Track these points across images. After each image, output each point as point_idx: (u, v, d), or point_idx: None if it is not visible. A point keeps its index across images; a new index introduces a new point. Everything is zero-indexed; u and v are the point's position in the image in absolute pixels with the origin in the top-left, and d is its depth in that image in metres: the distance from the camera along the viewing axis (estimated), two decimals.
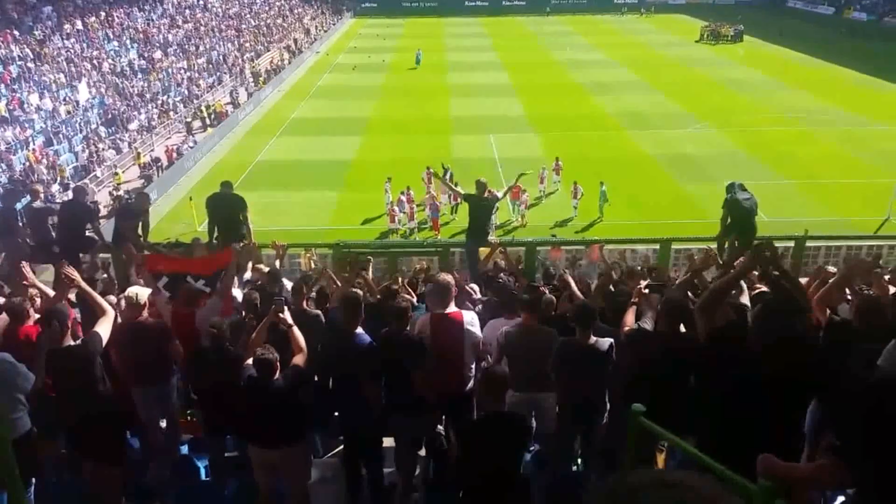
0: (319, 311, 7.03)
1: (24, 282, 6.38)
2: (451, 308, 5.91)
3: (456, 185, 11.50)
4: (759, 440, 3.16)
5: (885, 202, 22.84)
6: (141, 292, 6.42)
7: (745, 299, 5.94)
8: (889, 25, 65.83)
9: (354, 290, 6.52)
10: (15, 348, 5.47)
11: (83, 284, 5.83)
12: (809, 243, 11.70)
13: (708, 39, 61.86)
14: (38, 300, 6.48)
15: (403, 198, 23.68)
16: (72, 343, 5.35)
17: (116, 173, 28.49)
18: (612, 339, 5.72)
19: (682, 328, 5.05)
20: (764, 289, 6.34)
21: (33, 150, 27.66)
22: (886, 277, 7.55)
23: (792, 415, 3.55)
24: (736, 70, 49.09)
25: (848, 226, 20.38)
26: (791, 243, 11.26)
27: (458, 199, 23.36)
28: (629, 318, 5.65)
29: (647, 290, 6.11)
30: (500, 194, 11.84)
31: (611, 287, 7.20)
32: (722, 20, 64.31)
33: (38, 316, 5.93)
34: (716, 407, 3.68)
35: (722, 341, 3.76)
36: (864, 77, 45.48)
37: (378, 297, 7.45)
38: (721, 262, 7.73)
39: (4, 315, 6.06)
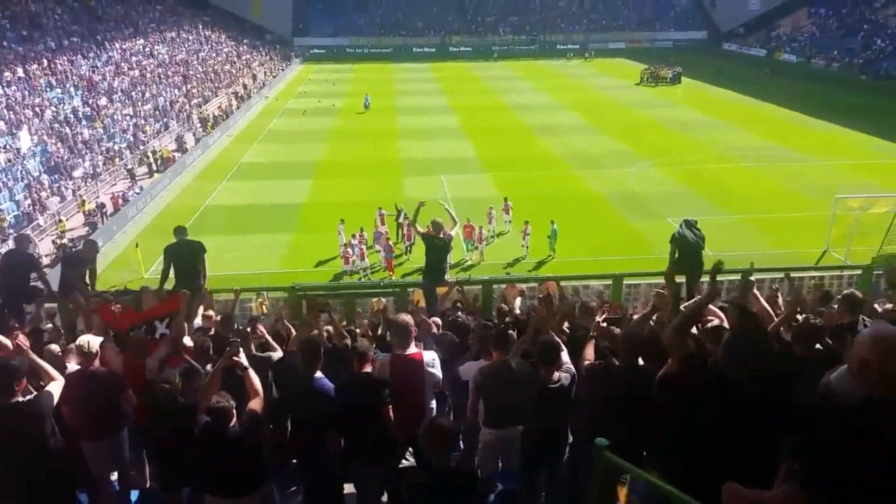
0: (269, 354, 6.92)
1: None
2: (412, 349, 5.90)
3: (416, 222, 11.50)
4: (728, 469, 3.20)
5: (824, 233, 23.75)
6: (93, 340, 6.22)
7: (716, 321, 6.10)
8: (816, 66, 69.34)
9: (314, 334, 6.46)
10: None
11: (33, 355, 5.60)
12: (756, 276, 12.03)
13: (648, 82, 64.04)
14: None
15: (355, 241, 23.63)
16: (20, 399, 5.12)
17: (60, 220, 27.74)
18: (572, 374, 5.77)
19: (641, 361, 5.13)
20: (717, 322, 6.51)
21: None
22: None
23: (763, 442, 3.59)
24: (676, 111, 50.91)
25: (791, 257, 21.09)
26: (738, 276, 11.58)
27: (412, 240, 23.51)
28: (589, 353, 5.71)
29: (605, 324, 6.20)
30: (453, 233, 11.91)
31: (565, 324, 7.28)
32: (661, 63, 66.75)
33: None
34: (684, 437, 3.72)
35: (691, 371, 3.81)
36: (795, 115, 47.64)
37: (345, 341, 7.32)
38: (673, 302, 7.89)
39: None
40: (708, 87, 60.67)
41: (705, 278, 11.09)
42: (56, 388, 5.32)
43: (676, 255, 10.68)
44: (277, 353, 7.04)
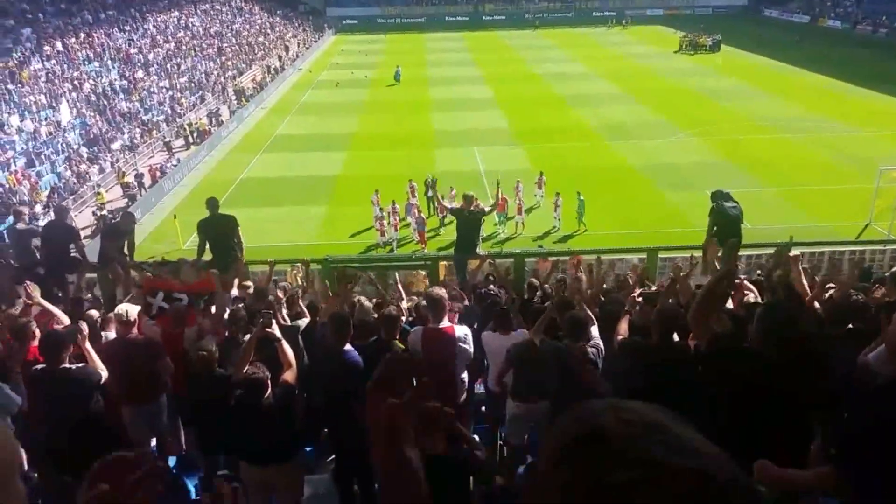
0: (298, 322, 7.05)
1: (29, 301, 6.38)
2: (444, 322, 5.92)
3: (444, 197, 11.50)
4: (759, 446, 3.17)
5: (866, 207, 23.13)
6: (131, 309, 6.38)
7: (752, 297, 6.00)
8: (862, 32, 66.98)
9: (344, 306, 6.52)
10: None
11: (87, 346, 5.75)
12: (794, 250, 11.80)
13: (686, 50, 62.59)
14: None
15: (387, 212, 23.72)
16: (68, 366, 5.30)
17: (99, 192, 28.28)
18: (599, 348, 5.75)
19: (676, 338, 5.08)
20: (752, 298, 6.40)
21: (14, 171, 27.42)
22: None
23: (795, 420, 3.54)
24: (714, 79, 49.69)
25: (830, 231, 20.61)
26: (773, 250, 11.36)
27: (445, 213, 23.50)
28: (622, 327, 5.67)
29: (640, 299, 6.15)
30: (487, 208, 11.88)
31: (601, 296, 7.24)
32: (699, 30, 65.12)
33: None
34: (717, 415, 3.69)
35: (722, 348, 3.76)
36: (838, 83, 46.17)
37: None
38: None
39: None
40: (748, 54, 59.03)
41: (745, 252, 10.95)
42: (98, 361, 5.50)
43: (715, 229, 10.52)
44: (305, 320, 7.18)
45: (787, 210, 24.60)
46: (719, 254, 8.93)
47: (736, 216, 10.42)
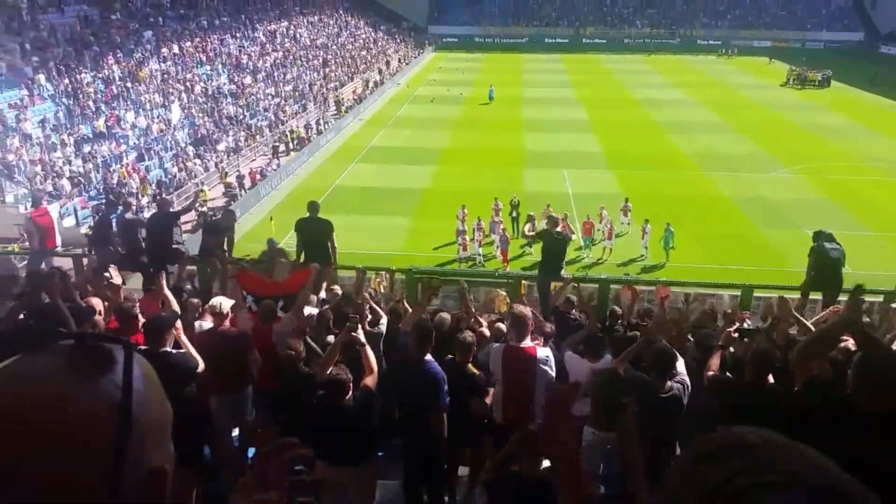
0: (380, 328, 7.19)
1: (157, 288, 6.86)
2: (527, 342, 5.91)
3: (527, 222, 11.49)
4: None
5: None
6: (224, 302, 6.67)
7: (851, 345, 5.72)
8: None
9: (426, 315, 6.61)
10: None
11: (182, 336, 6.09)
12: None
13: (794, 84, 60.26)
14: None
15: (475, 226, 23.97)
16: (169, 350, 5.59)
17: (203, 190, 29.69)
18: (686, 385, 5.60)
19: (770, 379, 4.89)
20: (851, 345, 6.10)
21: (126, 164, 29.16)
22: None
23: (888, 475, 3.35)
24: (822, 115, 47.60)
25: None
26: (880, 297, 10.75)
27: (531, 240, 23.40)
28: (714, 363, 5.51)
29: (736, 335, 5.96)
30: (572, 234, 11.78)
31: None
32: (810, 65, 62.58)
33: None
34: None
35: (818, 393, 3.60)
36: None
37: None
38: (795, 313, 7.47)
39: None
40: (861, 92, 56.23)
41: (844, 297, 10.40)
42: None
43: (813, 272, 10.07)
44: (384, 321, 7.31)
45: (892, 256, 23.22)
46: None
47: (837, 258, 9.93)
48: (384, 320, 7.45)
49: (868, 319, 9.03)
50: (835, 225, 21.93)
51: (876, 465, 3.29)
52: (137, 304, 6.66)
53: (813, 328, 6.23)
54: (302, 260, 10.13)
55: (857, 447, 3.35)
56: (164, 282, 7.16)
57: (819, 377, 3.84)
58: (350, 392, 5.28)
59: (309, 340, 6.64)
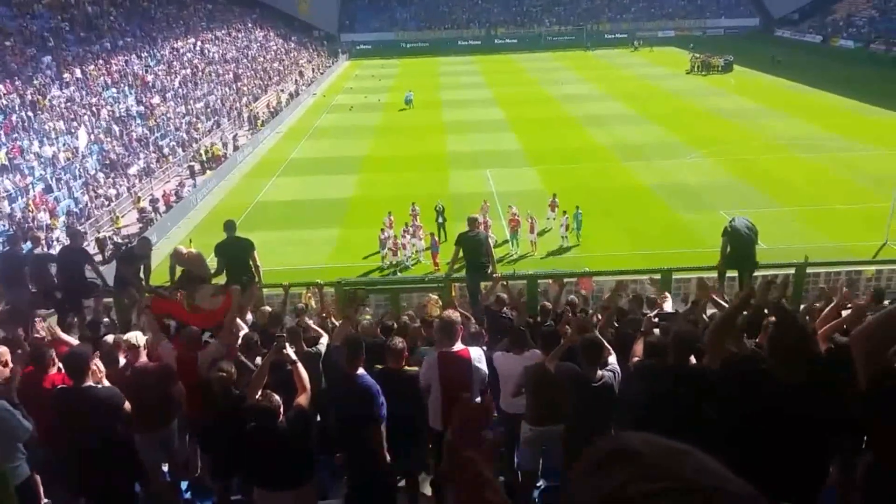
0: (318, 347, 7.06)
1: (49, 336, 6.52)
2: (458, 345, 5.91)
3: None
4: (779, 471, 3.12)
5: (882, 226, 22.92)
6: (139, 335, 6.43)
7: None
8: (876, 52, 66.84)
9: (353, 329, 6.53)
10: (36, 396, 5.49)
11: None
12: (810, 270, 11.72)
13: (699, 71, 62.66)
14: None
15: (390, 233, 24.21)
16: (92, 384, 5.36)
17: (116, 218, 28.62)
18: (616, 372, 5.71)
19: (693, 360, 5.03)
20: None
21: (33, 196, 27.80)
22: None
23: (812, 444, 3.48)
24: (728, 99, 49.70)
25: (847, 251, 20.41)
26: (791, 270, 11.27)
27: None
28: (638, 349, 5.63)
29: (655, 320, 6.11)
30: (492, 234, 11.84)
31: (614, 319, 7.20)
32: (711, 51, 65.20)
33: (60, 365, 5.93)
34: (731, 436, 3.64)
35: (739, 370, 3.71)
36: (852, 102, 46.02)
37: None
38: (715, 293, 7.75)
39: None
40: (761, 75, 59.00)
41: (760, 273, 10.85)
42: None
43: (728, 250, 10.46)
44: (324, 340, 7.19)
45: (802, 229, 24.45)
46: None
47: (749, 237, 10.35)
48: (324, 339, 7.31)
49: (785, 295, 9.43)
50: (747, 203, 23.05)
51: (790, 429, 3.43)
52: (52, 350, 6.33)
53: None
54: (224, 282, 9.85)
55: (772, 413, 3.48)
56: (55, 329, 6.87)
57: (734, 354, 3.96)
58: (281, 415, 5.15)
59: (242, 358, 6.46)
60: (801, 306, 9.40)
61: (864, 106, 44.78)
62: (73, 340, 6.67)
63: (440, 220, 25.41)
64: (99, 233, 27.16)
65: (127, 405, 5.49)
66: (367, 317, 8.38)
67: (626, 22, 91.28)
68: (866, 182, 29.42)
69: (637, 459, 0.88)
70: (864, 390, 2.97)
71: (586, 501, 0.88)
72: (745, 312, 5.06)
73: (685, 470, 0.86)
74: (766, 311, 6.13)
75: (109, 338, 7.11)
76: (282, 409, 5.14)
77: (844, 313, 6.12)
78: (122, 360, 6.49)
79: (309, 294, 12.42)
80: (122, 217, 29.38)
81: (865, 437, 3.74)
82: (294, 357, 5.59)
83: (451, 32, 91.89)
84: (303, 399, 5.37)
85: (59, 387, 5.42)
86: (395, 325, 7.73)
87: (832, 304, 6.30)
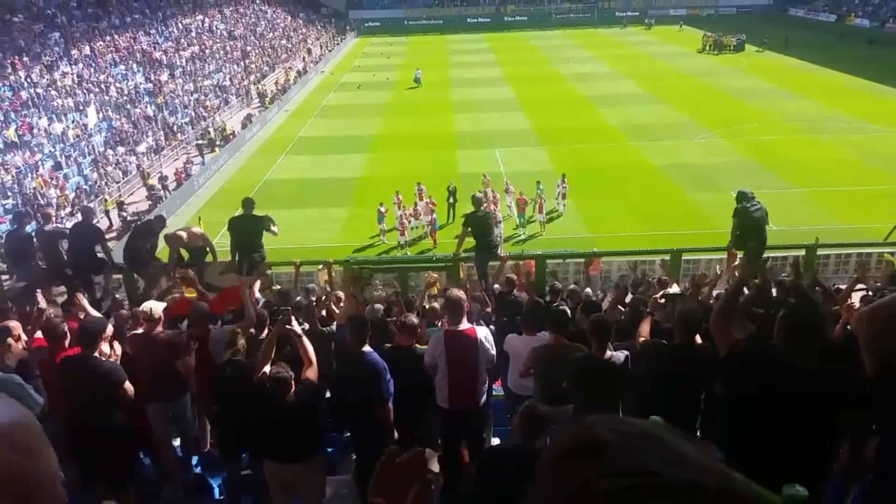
0: (331, 327, 7.09)
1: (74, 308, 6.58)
2: (465, 324, 5.91)
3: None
4: (786, 453, 3.11)
5: (894, 208, 22.69)
6: (156, 306, 6.45)
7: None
8: (891, 31, 65.80)
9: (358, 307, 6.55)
10: (49, 371, 5.54)
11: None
12: (820, 251, 11.66)
13: (710, 50, 61.94)
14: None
15: (409, 211, 24.17)
16: (102, 357, 5.41)
17: (121, 196, 28.74)
18: (627, 353, 5.70)
19: (699, 340, 5.02)
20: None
21: (41, 174, 27.88)
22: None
23: (822, 421, 3.46)
24: (740, 79, 49.12)
25: (858, 233, 20.26)
26: (802, 252, 11.22)
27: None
28: (644, 329, 5.61)
29: (662, 301, 6.09)
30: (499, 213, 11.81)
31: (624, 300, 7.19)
32: (723, 31, 64.40)
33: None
34: (740, 419, 3.63)
35: (745, 352, 3.69)
36: (867, 83, 45.39)
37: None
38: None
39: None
40: (774, 54, 58.26)
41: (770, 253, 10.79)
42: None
43: (738, 232, 10.39)
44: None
45: (813, 211, 24.26)
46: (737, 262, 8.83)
47: (759, 218, 10.27)
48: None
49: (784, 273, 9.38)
50: (758, 184, 22.81)
51: (799, 411, 3.42)
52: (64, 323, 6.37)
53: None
54: (236, 258, 9.87)
55: (786, 398, 3.47)
56: (84, 301, 6.91)
57: (740, 340, 3.94)
58: (292, 389, 5.19)
59: (253, 334, 6.51)
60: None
61: (878, 86, 44.16)
62: (97, 313, 6.72)
63: (451, 200, 25.28)
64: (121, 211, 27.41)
65: (128, 384, 5.50)
66: (378, 291, 8.38)
67: (638, 0, 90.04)
68: (879, 163, 29.11)
69: (603, 452, 0.82)
70: (871, 376, 2.91)
71: (551, 500, 0.84)
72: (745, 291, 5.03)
73: (655, 461, 0.80)
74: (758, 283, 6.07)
75: (124, 312, 7.18)
76: (293, 383, 5.17)
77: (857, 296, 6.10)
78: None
79: (322, 273, 12.49)
80: (132, 194, 29.45)
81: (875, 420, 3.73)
82: (299, 331, 5.59)
83: (460, 10, 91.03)
84: (310, 373, 5.40)
85: (68, 356, 5.45)
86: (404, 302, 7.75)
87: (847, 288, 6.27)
